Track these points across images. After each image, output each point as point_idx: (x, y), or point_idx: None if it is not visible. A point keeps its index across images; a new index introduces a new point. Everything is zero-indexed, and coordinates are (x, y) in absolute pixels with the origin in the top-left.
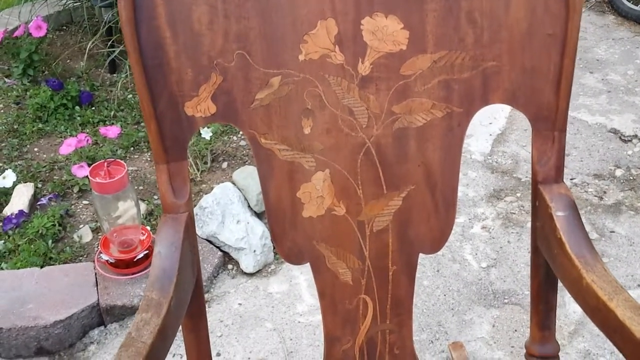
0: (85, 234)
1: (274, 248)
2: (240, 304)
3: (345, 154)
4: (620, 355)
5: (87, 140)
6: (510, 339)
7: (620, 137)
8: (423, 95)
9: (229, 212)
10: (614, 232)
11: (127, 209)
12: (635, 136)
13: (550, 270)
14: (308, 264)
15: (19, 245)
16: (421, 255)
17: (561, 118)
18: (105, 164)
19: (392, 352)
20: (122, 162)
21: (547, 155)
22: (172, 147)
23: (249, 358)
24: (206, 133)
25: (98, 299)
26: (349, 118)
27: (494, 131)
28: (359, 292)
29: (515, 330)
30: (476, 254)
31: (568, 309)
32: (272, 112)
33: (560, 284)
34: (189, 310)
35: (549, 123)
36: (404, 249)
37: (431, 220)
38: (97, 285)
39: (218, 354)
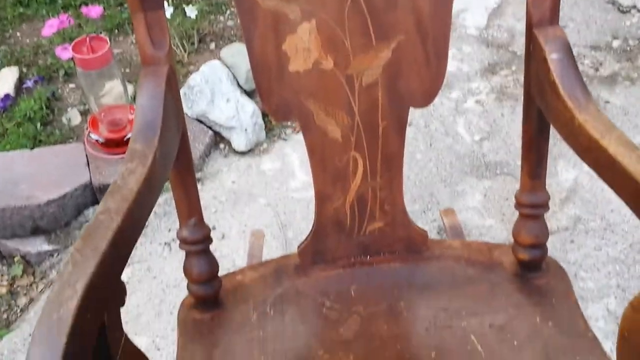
0: (73, 116)
1: (265, 126)
2: (233, 182)
3: (331, 2)
4: (610, 219)
5: (70, 21)
6: (501, 207)
7: (618, 8)
8: None
9: (218, 91)
10: (608, 102)
11: (113, 87)
12: (634, 7)
13: (542, 118)
14: (299, 143)
15: (7, 129)
16: (414, 129)
17: None
18: (88, 39)
19: (382, 208)
20: (104, 37)
21: None
22: None
23: (244, 231)
24: (191, 12)
25: (90, 178)
26: None
27: (490, 5)
28: (349, 149)
29: (507, 199)
30: (469, 128)
31: (560, 177)
32: None
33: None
34: (176, 166)
35: None
36: (394, 103)
37: (422, 72)
38: (88, 165)
39: (213, 228)
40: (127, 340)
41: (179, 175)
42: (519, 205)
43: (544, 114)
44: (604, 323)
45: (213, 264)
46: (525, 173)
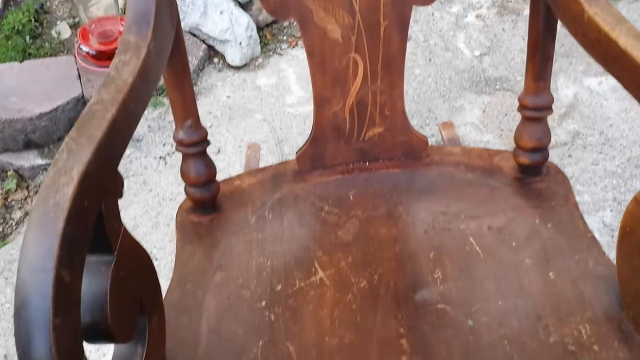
0: (63, 30)
1: (260, 41)
2: (228, 97)
3: None
4: (609, 134)
5: None
6: (500, 123)
7: None
8: None
9: (211, 2)
10: None
11: None
12: None
13: (549, 16)
14: (295, 58)
15: None
16: (413, 43)
17: None
18: None
19: (382, 113)
20: None
21: None
22: None
23: (240, 146)
24: None
25: (82, 91)
26: None
27: None
28: (349, 50)
29: (506, 115)
30: (469, 43)
31: (560, 93)
32: None
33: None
34: (171, 65)
35: None
36: (397, 1)
37: None
38: (80, 78)
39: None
40: (126, 233)
41: (174, 75)
42: (522, 107)
43: (551, 10)
44: (599, 235)
45: (210, 166)
46: (530, 75)
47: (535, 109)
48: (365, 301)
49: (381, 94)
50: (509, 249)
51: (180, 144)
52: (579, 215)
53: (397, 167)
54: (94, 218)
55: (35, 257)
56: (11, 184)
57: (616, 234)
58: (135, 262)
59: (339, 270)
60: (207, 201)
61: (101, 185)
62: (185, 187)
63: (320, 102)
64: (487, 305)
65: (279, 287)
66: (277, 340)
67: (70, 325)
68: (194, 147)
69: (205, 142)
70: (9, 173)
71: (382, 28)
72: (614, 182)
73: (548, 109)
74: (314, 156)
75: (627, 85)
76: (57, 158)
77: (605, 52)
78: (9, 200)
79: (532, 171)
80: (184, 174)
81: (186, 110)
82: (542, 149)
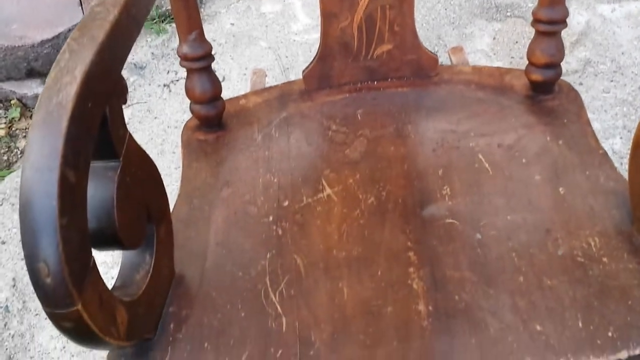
0: None
1: None
2: (232, 24)
3: None
4: (621, 62)
5: None
6: (510, 50)
7: None
8: None
9: None
10: None
11: None
12: None
13: None
14: None
15: None
16: None
17: None
18: None
19: (392, 29)
20: None
21: None
22: None
23: (245, 73)
24: None
25: None
26: None
27: None
28: None
29: (516, 42)
30: None
31: (572, 20)
32: None
33: None
34: None
35: None
36: None
37: None
38: (81, 5)
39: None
40: (132, 139)
41: None
42: (535, 21)
43: None
44: None
45: (215, 83)
46: None
47: (549, 22)
48: (373, 216)
49: (390, 8)
50: (519, 165)
51: (184, 58)
52: (590, 132)
53: (406, 85)
54: (99, 121)
55: (39, 157)
56: (15, 112)
57: (625, 161)
58: (141, 169)
59: (346, 187)
60: (212, 119)
61: (105, 88)
62: (190, 105)
63: (327, 18)
64: (495, 219)
65: (286, 203)
66: (284, 253)
67: (76, 226)
68: (199, 61)
69: (210, 56)
70: (12, 102)
71: None
72: (624, 110)
73: (562, 22)
74: (321, 75)
75: None
76: (59, 58)
77: None
78: (14, 129)
79: (544, 88)
80: (188, 91)
81: (190, 22)
82: (555, 65)
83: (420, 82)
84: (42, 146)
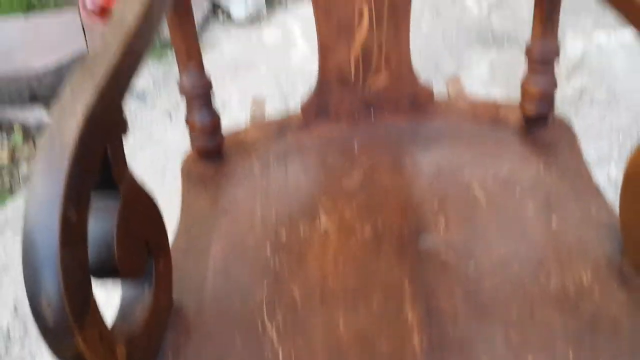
0: None
1: None
2: (233, 52)
3: None
4: (617, 90)
5: None
6: (507, 78)
7: None
8: None
9: None
10: None
11: None
12: None
13: None
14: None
15: None
16: None
17: None
18: None
19: (388, 62)
20: None
21: None
22: None
23: (245, 100)
24: None
25: (87, 47)
26: None
27: None
28: None
29: (513, 69)
30: None
31: (568, 49)
32: None
33: None
34: (174, 8)
35: None
36: None
37: None
38: (84, 33)
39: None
40: (132, 175)
41: (176, 17)
42: (528, 54)
43: None
44: (604, 190)
45: (215, 115)
46: (538, 19)
47: (542, 58)
48: (368, 247)
49: (387, 41)
50: (513, 197)
51: (183, 90)
52: (583, 164)
53: (403, 117)
54: (100, 157)
55: (42, 194)
56: (17, 138)
57: None
58: (141, 203)
59: (343, 217)
60: (212, 151)
61: (106, 125)
62: (190, 136)
63: (325, 51)
64: (489, 251)
65: (283, 233)
66: (281, 283)
67: (77, 260)
68: (198, 94)
69: (209, 86)
70: (15, 127)
71: None
72: (620, 138)
73: (555, 54)
74: (318, 106)
75: (632, 23)
76: (61, 96)
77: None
78: (16, 155)
79: (538, 122)
80: (188, 122)
81: (189, 52)
82: (548, 99)
83: (417, 114)
84: (45, 184)
